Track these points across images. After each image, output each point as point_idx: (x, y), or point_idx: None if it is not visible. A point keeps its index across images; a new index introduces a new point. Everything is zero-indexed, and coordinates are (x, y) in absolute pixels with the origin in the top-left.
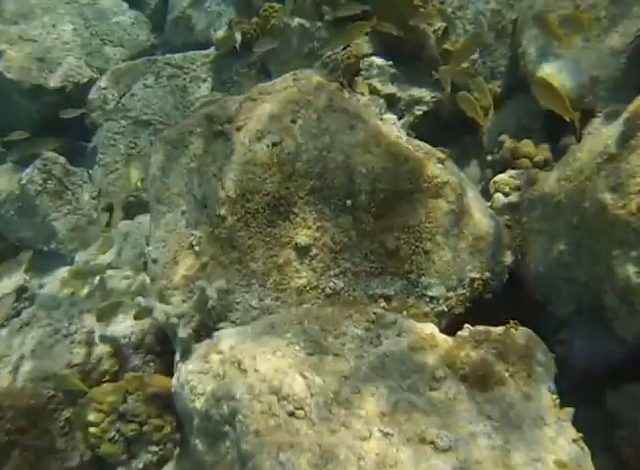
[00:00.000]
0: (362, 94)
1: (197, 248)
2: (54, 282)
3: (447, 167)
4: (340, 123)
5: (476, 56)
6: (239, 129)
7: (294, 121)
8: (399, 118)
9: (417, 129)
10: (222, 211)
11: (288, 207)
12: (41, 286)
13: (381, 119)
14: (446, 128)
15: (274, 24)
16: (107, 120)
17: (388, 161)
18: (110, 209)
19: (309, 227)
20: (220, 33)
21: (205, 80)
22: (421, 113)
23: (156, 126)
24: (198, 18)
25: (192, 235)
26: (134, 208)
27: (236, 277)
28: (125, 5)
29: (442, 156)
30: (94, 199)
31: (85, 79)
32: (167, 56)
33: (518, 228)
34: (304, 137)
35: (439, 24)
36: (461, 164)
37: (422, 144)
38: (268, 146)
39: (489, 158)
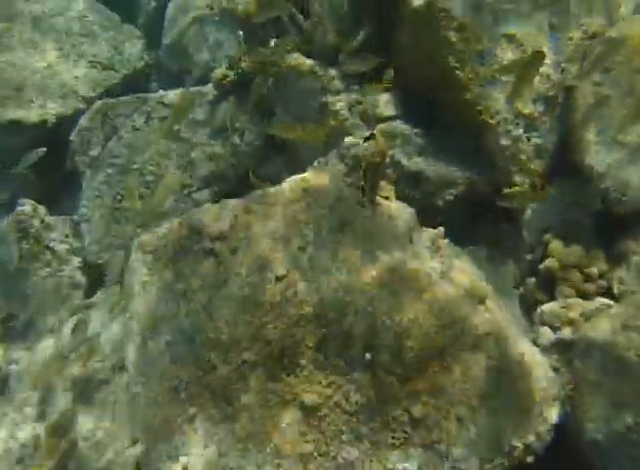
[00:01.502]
0: (387, 198)
1: (182, 395)
2: (27, 359)
3: (490, 310)
4: (360, 255)
5: (520, 131)
6: (233, 252)
7: (302, 249)
8: (429, 197)
9: (444, 214)
10: (213, 357)
11: (293, 357)
12: (13, 362)
13: (410, 241)
14: (479, 212)
15: (281, 67)
16: (91, 168)
17: (420, 311)
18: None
19: (319, 383)
20: (219, 71)
21: (203, 125)
22: (451, 198)
23: (145, 177)
24: (196, 44)
25: (177, 377)
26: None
27: (229, 438)
28: (117, 18)
29: (484, 292)
30: (79, 264)
31: (69, 111)
32: (160, 93)
33: (569, 373)
34: (316, 271)
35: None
36: (496, 258)
37: (460, 276)
38: (270, 280)
39: (530, 257)
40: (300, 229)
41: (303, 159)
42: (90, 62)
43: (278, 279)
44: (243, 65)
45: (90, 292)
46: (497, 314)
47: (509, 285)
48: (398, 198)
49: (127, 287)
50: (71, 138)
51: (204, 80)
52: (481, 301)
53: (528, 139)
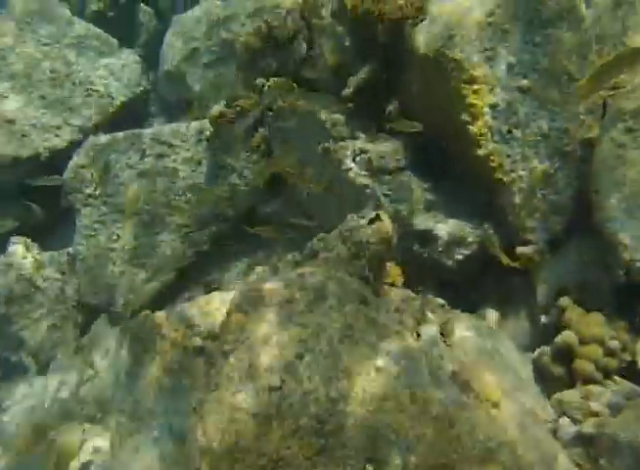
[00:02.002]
0: (392, 284)
1: None
2: (16, 409)
3: (503, 414)
4: (362, 362)
5: (535, 189)
6: (225, 354)
7: (300, 357)
8: (437, 256)
9: (454, 273)
10: (203, 467)
11: None
12: (2, 411)
13: (417, 335)
14: (490, 265)
15: (282, 107)
16: (85, 206)
17: (426, 425)
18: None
19: None
20: (217, 109)
21: (199, 163)
22: (462, 257)
23: (140, 217)
24: (193, 76)
25: None
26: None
27: None
28: (115, 42)
29: (497, 396)
30: (73, 303)
31: (64, 144)
32: (155, 129)
33: None
34: (314, 381)
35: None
36: (507, 316)
37: (471, 375)
38: (264, 390)
39: (544, 319)
40: (298, 334)
41: (303, 200)
42: (87, 90)
43: (273, 389)
44: (241, 103)
45: (85, 330)
46: (511, 419)
47: (521, 346)
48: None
49: (116, 375)
50: (65, 176)
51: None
52: (495, 404)
53: (544, 196)
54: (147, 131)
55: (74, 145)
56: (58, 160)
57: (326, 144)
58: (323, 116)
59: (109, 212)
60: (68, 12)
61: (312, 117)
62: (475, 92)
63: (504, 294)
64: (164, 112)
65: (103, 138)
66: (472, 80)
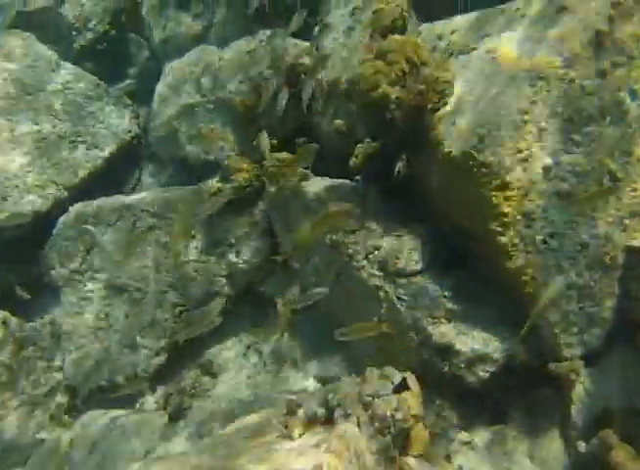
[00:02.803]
0: (420, 455)
1: None
2: None
3: None
4: None
5: (571, 304)
6: None
7: None
8: (459, 372)
9: (477, 390)
10: None
11: None
12: None
13: None
14: (517, 375)
15: (283, 187)
16: (70, 281)
17: None
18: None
19: None
20: (213, 184)
21: (192, 237)
22: (487, 376)
23: (131, 294)
24: (188, 133)
25: None
26: None
27: None
28: (103, 86)
29: None
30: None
31: (48, 204)
32: (146, 197)
33: None
34: None
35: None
36: (536, 434)
37: None
38: None
39: (583, 448)
40: None
41: (305, 277)
42: (72, 142)
43: None
44: (238, 178)
45: (70, 411)
46: None
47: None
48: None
49: None
50: (48, 248)
51: (195, 169)
52: None
53: (581, 309)
54: (136, 200)
55: (60, 203)
56: (42, 221)
57: (334, 236)
58: (332, 206)
59: (96, 289)
60: (53, 55)
61: (319, 202)
62: (506, 199)
63: (532, 406)
64: (155, 165)
65: (89, 208)
66: (503, 186)
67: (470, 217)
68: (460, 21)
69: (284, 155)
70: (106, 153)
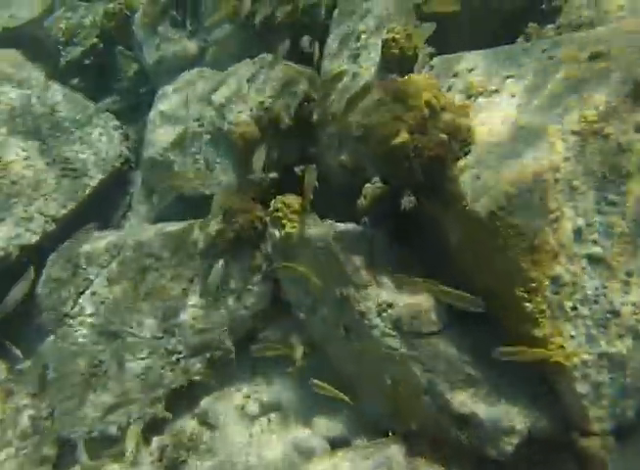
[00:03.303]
0: None
1: None
2: None
3: None
4: None
5: (603, 375)
6: None
7: None
8: (480, 445)
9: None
10: None
11: None
12: None
13: None
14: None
15: (289, 234)
16: (60, 327)
17: None
18: None
19: None
20: (213, 226)
21: (191, 281)
22: (509, 449)
23: (125, 340)
24: (182, 166)
25: None
26: None
27: None
28: (92, 107)
29: None
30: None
31: (36, 237)
32: (139, 234)
33: None
34: None
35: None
36: None
37: None
38: None
39: None
40: None
41: (312, 328)
42: (62, 169)
43: None
44: (242, 221)
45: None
46: None
47: None
48: None
49: None
50: (38, 290)
51: (190, 201)
52: None
53: (612, 379)
54: (131, 240)
55: (49, 235)
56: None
57: (345, 291)
58: (341, 256)
59: (89, 334)
60: (41, 76)
61: (327, 252)
62: (534, 263)
63: None
64: (147, 193)
65: (80, 247)
66: (532, 249)
67: (493, 279)
68: (477, 57)
69: (291, 199)
70: (95, 181)
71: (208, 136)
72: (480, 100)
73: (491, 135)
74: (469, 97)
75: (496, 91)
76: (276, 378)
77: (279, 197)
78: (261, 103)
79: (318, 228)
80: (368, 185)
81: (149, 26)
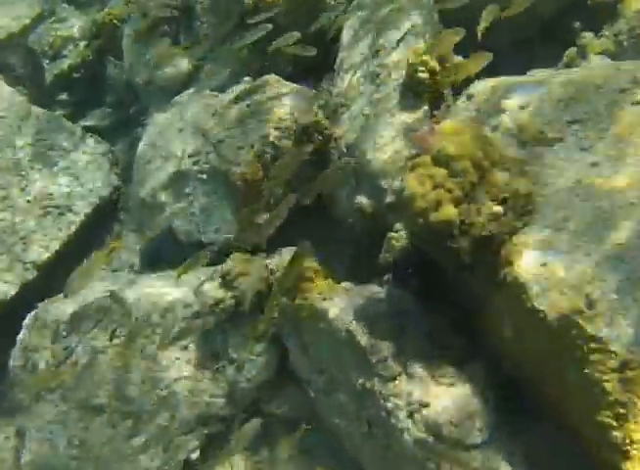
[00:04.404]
0: None
1: None
2: None
3: None
4: None
5: None
6: None
7: None
8: None
9: None
10: None
11: None
12: None
13: None
14: None
15: (300, 306)
16: (38, 401)
17: None
18: None
19: None
20: (212, 292)
21: (185, 347)
22: None
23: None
24: (174, 209)
25: None
26: None
27: None
28: (78, 131)
29: None
30: None
31: (12, 292)
32: (128, 298)
33: None
34: None
35: None
36: None
37: None
38: None
39: None
40: None
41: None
42: (43, 208)
43: None
44: (242, 286)
45: None
46: None
47: None
48: None
49: None
50: (12, 361)
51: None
52: None
53: None
54: (115, 303)
55: (29, 285)
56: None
57: (367, 383)
58: (362, 339)
59: (69, 410)
60: (23, 101)
61: (346, 332)
62: (625, 383)
63: None
64: (137, 230)
65: (59, 310)
66: (621, 367)
67: (563, 390)
68: (532, 88)
69: (299, 262)
70: (81, 216)
71: (204, 176)
72: (539, 150)
73: (558, 204)
74: (522, 145)
75: (560, 140)
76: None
77: (285, 252)
78: (264, 137)
79: (334, 301)
80: (392, 234)
81: (138, 42)
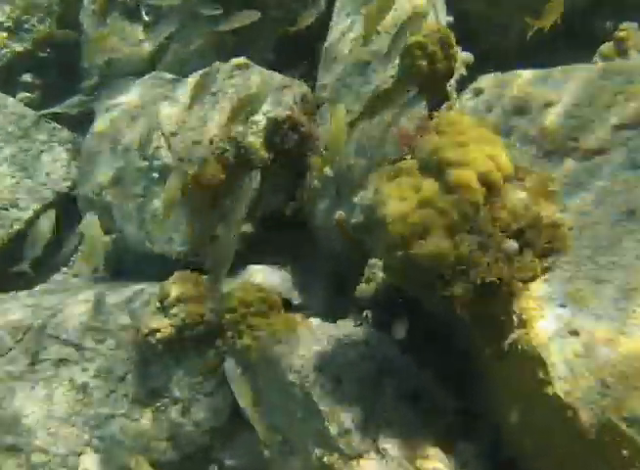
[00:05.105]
0: None
1: None
2: None
3: None
4: None
5: None
6: None
7: None
8: None
9: None
10: None
11: None
12: None
13: None
14: None
15: (247, 347)
16: None
17: None
18: None
19: None
20: (146, 321)
21: (122, 379)
22: None
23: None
24: (121, 212)
25: None
26: None
27: None
28: (30, 114)
29: None
30: None
31: None
32: (55, 317)
33: None
34: None
35: None
36: None
37: None
38: None
39: None
40: None
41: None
42: None
43: None
44: (179, 312)
45: None
46: None
47: None
48: None
49: None
50: None
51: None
52: None
53: None
54: (42, 319)
55: None
56: None
57: (326, 457)
58: (321, 402)
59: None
60: None
61: (302, 390)
62: None
63: None
64: None
65: None
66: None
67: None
68: (563, 82)
69: (254, 293)
70: (29, 212)
71: (156, 174)
72: (571, 165)
73: (601, 243)
74: (547, 155)
75: (602, 151)
76: None
77: (234, 293)
78: (227, 130)
79: (290, 345)
80: (374, 260)
81: (96, 17)
